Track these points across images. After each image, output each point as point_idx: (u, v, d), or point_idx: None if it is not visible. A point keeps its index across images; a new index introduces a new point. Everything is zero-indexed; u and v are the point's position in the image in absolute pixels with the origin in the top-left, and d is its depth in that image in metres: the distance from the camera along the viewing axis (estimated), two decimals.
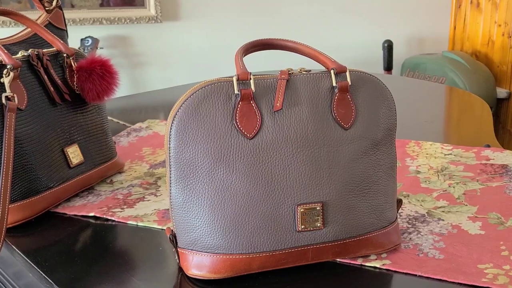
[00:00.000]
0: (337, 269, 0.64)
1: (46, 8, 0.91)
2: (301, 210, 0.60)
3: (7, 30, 2.28)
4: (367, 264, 0.64)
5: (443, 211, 0.78)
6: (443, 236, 0.70)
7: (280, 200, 0.60)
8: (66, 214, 0.80)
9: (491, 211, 0.77)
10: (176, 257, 0.63)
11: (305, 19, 2.87)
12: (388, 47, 2.83)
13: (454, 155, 1.01)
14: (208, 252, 0.60)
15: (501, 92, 2.83)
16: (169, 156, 0.59)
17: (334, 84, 0.62)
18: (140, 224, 0.76)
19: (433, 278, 0.61)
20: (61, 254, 0.69)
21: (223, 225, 0.59)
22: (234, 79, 0.59)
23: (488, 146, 1.05)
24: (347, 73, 0.62)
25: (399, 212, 0.77)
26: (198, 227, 0.60)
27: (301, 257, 0.62)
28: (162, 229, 0.74)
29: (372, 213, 0.64)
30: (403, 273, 0.62)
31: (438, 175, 0.92)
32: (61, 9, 0.93)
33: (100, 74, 0.84)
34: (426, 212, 0.77)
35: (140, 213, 0.79)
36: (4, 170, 0.69)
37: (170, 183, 0.60)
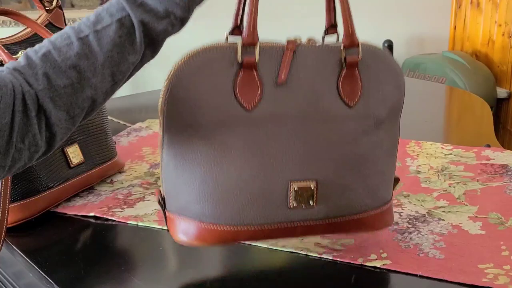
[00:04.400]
0: (337, 269, 0.64)
1: (46, 8, 0.91)
2: (295, 187, 0.58)
3: (7, 29, 2.28)
4: (367, 264, 0.64)
5: (443, 211, 0.78)
6: (444, 236, 0.70)
7: (274, 175, 0.57)
8: (66, 214, 0.80)
9: (491, 211, 0.77)
10: (164, 220, 0.62)
11: (306, 19, 2.87)
12: (388, 47, 2.83)
13: (454, 155, 1.01)
14: (196, 220, 0.58)
15: (501, 92, 2.83)
16: (163, 119, 0.56)
17: (343, 60, 0.58)
18: (140, 224, 0.76)
19: (434, 278, 0.61)
20: (61, 254, 0.69)
21: (213, 195, 0.57)
22: (239, 44, 0.55)
23: (488, 146, 1.04)
24: (359, 48, 0.58)
25: (399, 212, 0.77)
26: (188, 195, 0.58)
27: (289, 232, 0.60)
28: (162, 229, 0.74)
29: (368, 193, 0.62)
30: (403, 273, 0.62)
31: (438, 175, 0.91)
32: (61, 9, 0.93)
33: None
34: (427, 212, 0.77)
35: (140, 213, 0.79)
36: None
37: (163, 147, 0.58)
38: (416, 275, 0.62)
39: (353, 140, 0.59)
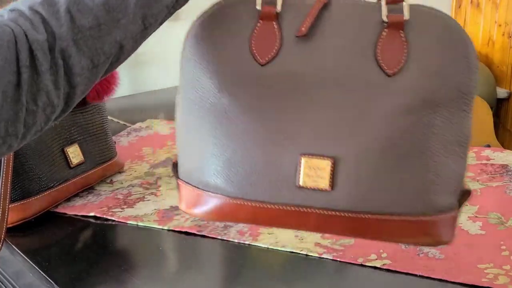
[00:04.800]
0: (337, 269, 0.64)
1: None
2: (305, 161, 0.49)
3: None
4: (367, 264, 0.64)
5: None
6: None
7: (284, 143, 0.49)
8: (66, 214, 0.80)
9: (491, 211, 0.77)
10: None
11: None
12: None
13: None
14: (196, 187, 0.53)
15: (501, 92, 2.83)
16: (181, 73, 0.53)
17: (383, 18, 0.49)
18: (140, 224, 0.76)
19: (434, 278, 0.61)
20: (61, 253, 0.69)
21: (214, 160, 0.51)
22: None
23: (489, 146, 1.05)
24: (404, 5, 0.49)
25: None
26: (191, 158, 0.53)
27: (301, 221, 0.51)
28: (162, 229, 0.74)
29: (410, 191, 0.50)
30: (403, 273, 0.62)
31: None
32: None
33: None
34: None
35: (140, 213, 0.79)
36: (4, 170, 0.69)
37: (178, 104, 0.54)
38: (416, 275, 0.62)
39: (392, 117, 0.49)
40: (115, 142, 0.97)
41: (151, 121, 1.28)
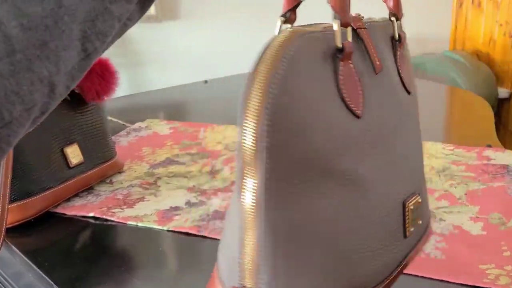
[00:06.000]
0: None
1: None
2: (411, 206, 0.44)
3: None
4: None
5: (444, 212, 0.77)
6: (445, 236, 0.70)
7: (390, 199, 0.41)
8: (65, 214, 0.80)
9: (492, 212, 0.77)
10: None
11: (307, 19, 2.87)
12: None
13: (456, 155, 1.00)
14: None
15: (503, 92, 2.82)
16: (265, 158, 0.33)
17: (396, 36, 0.45)
18: (140, 224, 0.76)
19: (434, 278, 0.61)
20: (61, 254, 0.69)
21: (339, 260, 0.37)
22: (336, 25, 0.36)
23: (490, 146, 1.04)
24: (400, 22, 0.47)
25: None
26: (306, 272, 0.35)
27: (396, 276, 0.44)
28: (162, 229, 0.74)
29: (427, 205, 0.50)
30: (404, 273, 0.62)
31: (439, 175, 0.91)
32: None
33: (100, 74, 0.84)
34: None
35: (140, 213, 0.79)
36: (4, 170, 0.69)
37: (262, 208, 0.33)
38: (416, 276, 0.61)
39: (419, 134, 0.47)
40: (114, 142, 0.97)
41: (151, 121, 1.28)
